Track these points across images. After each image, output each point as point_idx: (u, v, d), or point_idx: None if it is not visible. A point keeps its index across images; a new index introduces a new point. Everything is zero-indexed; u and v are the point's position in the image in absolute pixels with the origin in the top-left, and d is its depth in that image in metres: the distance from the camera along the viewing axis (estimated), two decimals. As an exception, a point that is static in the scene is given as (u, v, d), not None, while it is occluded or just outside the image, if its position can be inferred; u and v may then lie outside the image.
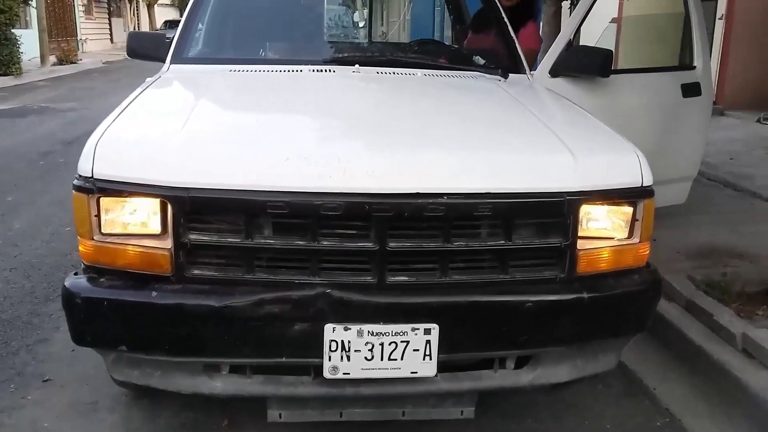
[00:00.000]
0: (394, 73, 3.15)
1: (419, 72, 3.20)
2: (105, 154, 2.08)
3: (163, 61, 3.35)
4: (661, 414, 2.69)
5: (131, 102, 2.52)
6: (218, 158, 2.05)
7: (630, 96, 3.77)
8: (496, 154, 2.14)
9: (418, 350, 2.05)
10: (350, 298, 2.02)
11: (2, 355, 3.10)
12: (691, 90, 4.05)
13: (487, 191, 2.02)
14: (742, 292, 3.36)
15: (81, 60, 20.04)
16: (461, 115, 2.57)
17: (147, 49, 3.54)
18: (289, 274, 2.05)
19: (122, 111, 2.39)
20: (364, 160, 2.02)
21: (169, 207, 2.01)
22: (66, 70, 17.90)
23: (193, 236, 2.03)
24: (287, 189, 1.98)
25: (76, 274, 2.19)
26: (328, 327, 2.02)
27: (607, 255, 2.16)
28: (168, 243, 2.04)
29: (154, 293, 2.03)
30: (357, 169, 2.00)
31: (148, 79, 3.05)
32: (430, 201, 1.99)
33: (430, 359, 2.06)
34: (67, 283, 2.11)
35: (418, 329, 2.04)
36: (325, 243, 2.01)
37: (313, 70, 3.13)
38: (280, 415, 2.21)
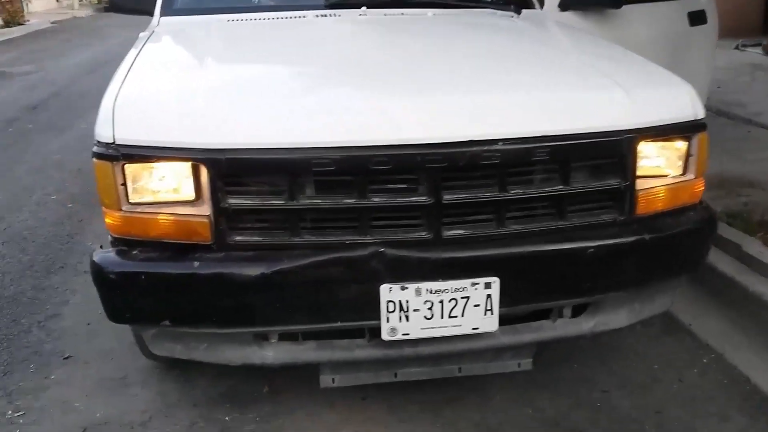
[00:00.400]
0: (403, 14, 2.98)
1: (429, 12, 3.02)
2: (126, 117, 1.90)
3: (150, 14, 3.12)
4: (703, 349, 2.67)
5: (135, 60, 2.31)
6: (253, 115, 1.89)
7: (640, 27, 3.66)
8: (549, 94, 2.02)
9: (478, 305, 1.96)
10: (406, 256, 1.91)
11: (15, 334, 2.94)
12: (697, 18, 3.95)
13: (544, 134, 1.90)
14: (763, 221, 3.34)
15: (29, 21, 19.10)
16: (497, 55, 2.43)
17: (131, 2, 3.29)
18: (338, 235, 1.92)
19: (129, 70, 2.19)
20: (412, 109, 1.88)
21: (204, 171, 1.86)
22: (14, 32, 17.04)
23: (232, 201, 1.88)
24: (332, 144, 1.84)
25: (101, 247, 2.04)
26: (384, 287, 1.92)
27: (664, 194, 2.07)
28: (206, 209, 1.90)
29: (196, 263, 1.90)
30: (405, 119, 1.86)
31: (141, 35, 2.82)
32: (485, 148, 1.86)
33: (492, 314, 1.97)
34: (96, 258, 1.96)
35: (478, 284, 1.94)
36: (376, 199, 1.89)
37: (317, 15, 2.94)
38: (333, 380, 2.12)
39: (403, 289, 1.93)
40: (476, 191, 1.92)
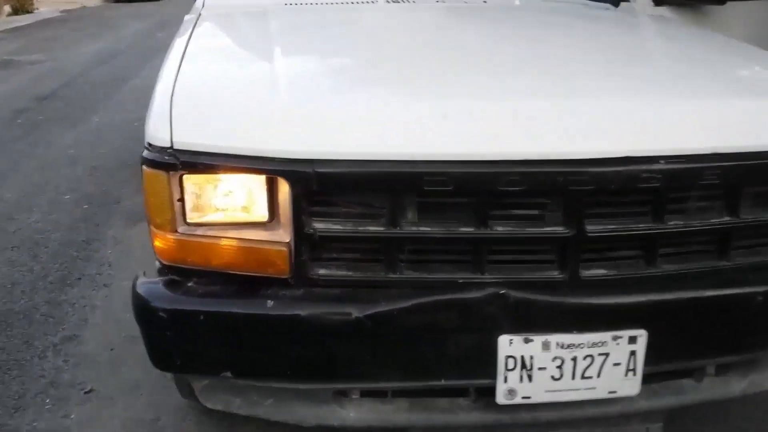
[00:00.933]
0: (485, 2, 2.58)
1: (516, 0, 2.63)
2: (186, 115, 1.50)
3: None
4: None
5: (187, 46, 1.91)
6: (352, 118, 1.48)
7: (743, 27, 3.26)
8: (716, 101, 1.61)
9: (619, 364, 1.56)
10: (533, 300, 1.52)
11: (27, 359, 2.54)
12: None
13: (714, 151, 1.50)
14: None
15: (38, 9, 18.77)
16: (631, 53, 2.01)
17: None
18: (448, 272, 1.52)
19: (183, 57, 1.79)
20: (552, 115, 1.48)
21: (284, 187, 1.46)
22: (23, 20, 16.70)
23: (319, 225, 1.48)
24: (452, 157, 1.44)
25: (144, 274, 1.64)
26: (504, 339, 1.52)
27: None
28: (283, 235, 1.50)
29: (269, 302, 1.50)
30: (544, 127, 1.46)
31: (186, 18, 2.43)
32: (644, 168, 1.46)
33: (634, 374, 1.57)
34: (141, 290, 1.56)
35: (621, 337, 1.54)
36: (500, 228, 1.49)
37: (388, 1, 2.54)
38: (423, 447, 1.72)
39: (527, 341, 1.53)
40: (626, 221, 1.52)
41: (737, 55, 2.07)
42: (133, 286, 1.60)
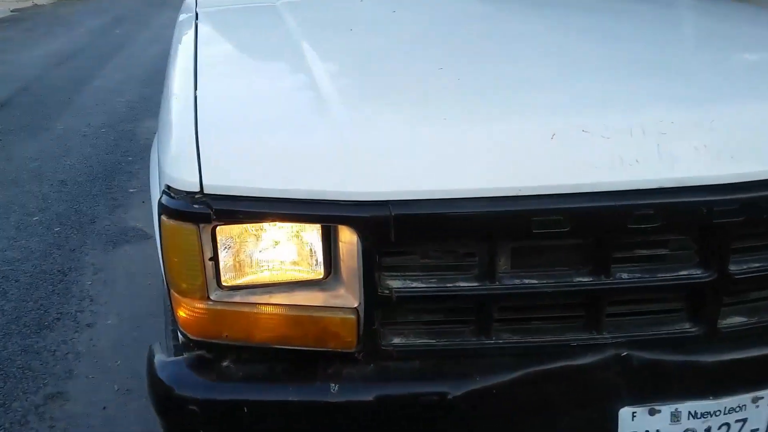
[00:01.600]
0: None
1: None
2: (219, 150, 1.15)
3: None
4: None
5: (196, 59, 1.53)
6: (436, 146, 1.14)
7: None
8: None
9: (757, 430, 1.28)
10: (661, 362, 1.21)
11: (5, 428, 2.15)
12: None
13: None
14: None
15: (-15, 8, 17.91)
16: (744, 47, 1.66)
17: None
18: (558, 333, 1.21)
19: (196, 74, 1.42)
20: (689, 129, 1.17)
21: (350, 236, 1.13)
22: (-29, 20, 15.91)
23: (395, 283, 1.15)
24: (563, 189, 1.12)
25: (160, 346, 1.29)
26: (625, 413, 1.21)
27: None
28: (350, 298, 1.17)
29: (333, 386, 1.17)
30: (682, 145, 1.15)
31: (181, 18, 2.05)
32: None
33: (772, 439, 1.30)
34: (163, 374, 1.21)
35: (762, 398, 1.25)
36: (625, 276, 1.18)
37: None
38: None
39: (653, 413, 1.23)
40: (770, 257, 1.22)
41: None
42: (150, 366, 1.25)
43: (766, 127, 1.20)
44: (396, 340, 1.19)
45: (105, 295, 2.92)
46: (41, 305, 2.86)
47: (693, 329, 1.22)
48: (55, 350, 2.55)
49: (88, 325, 2.70)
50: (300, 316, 1.17)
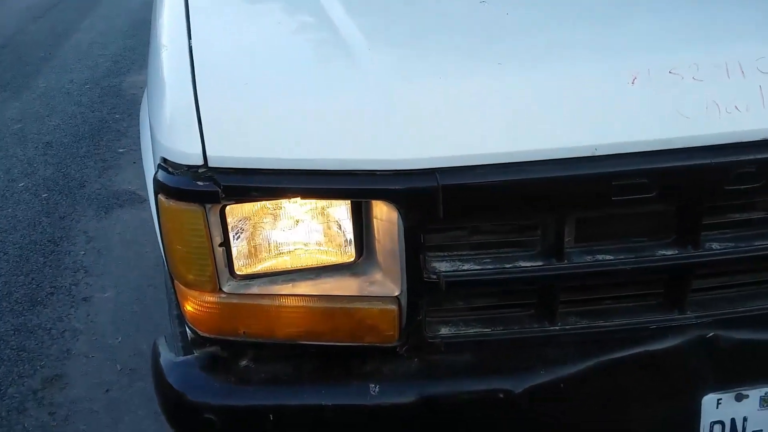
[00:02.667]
0: None
1: None
2: (224, 114, 0.94)
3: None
4: None
5: (186, 3, 1.29)
6: (491, 100, 0.93)
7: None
8: None
9: None
10: (752, 342, 1.04)
11: (2, 416, 1.99)
12: None
13: None
14: None
15: (-45, -43, 17.18)
16: None
17: None
18: (630, 315, 1.03)
19: (188, 19, 1.18)
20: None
21: (388, 213, 0.94)
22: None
23: (444, 267, 0.96)
24: (649, 146, 0.92)
25: (166, 341, 1.11)
26: (709, 400, 1.05)
27: None
28: (391, 286, 0.98)
29: (373, 387, 0.99)
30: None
31: None
32: None
33: None
34: (172, 378, 1.03)
35: None
36: (716, 246, 0.99)
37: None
38: None
39: (739, 398, 1.06)
40: None
41: None
42: (155, 366, 1.07)
43: None
44: (443, 331, 1.01)
45: (100, 266, 2.73)
46: (33, 279, 2.67)
47: (791, 304, 1.05)
48: (50, 328, 2.37)
49: (84, 299, 2.52)
50: (332, 308, 0.99)
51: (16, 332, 2.37)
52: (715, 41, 1.02)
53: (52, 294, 2.58)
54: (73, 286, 2.62)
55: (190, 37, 1.13)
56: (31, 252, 2.87)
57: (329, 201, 0.97)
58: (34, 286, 2.63)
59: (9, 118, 4.57)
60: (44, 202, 3.34)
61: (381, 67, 0.99)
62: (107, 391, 2.07)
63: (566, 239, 0.99)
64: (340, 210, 0.99)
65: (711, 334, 1.03)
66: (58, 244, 2.94)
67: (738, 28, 1.05)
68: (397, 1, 1.24)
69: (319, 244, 1.00)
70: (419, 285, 0.96)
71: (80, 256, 2.84)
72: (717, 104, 0.94)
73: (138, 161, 3.81)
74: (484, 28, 1.09)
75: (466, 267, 0.97)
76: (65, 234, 3.02)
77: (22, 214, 3.22)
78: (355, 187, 0.93)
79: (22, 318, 2.44)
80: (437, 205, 0.91)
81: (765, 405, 1.09)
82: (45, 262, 2.80)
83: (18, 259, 2.82)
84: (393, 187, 0.91)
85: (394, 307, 0.97)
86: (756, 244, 0.99)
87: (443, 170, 0.91)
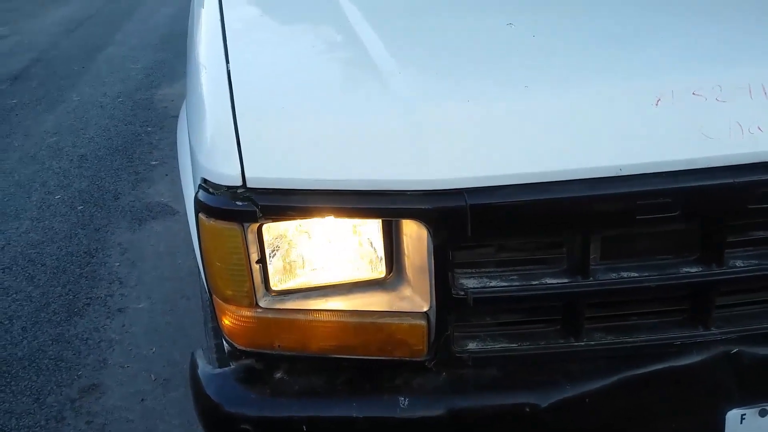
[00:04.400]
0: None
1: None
2: (262, 136, 0.99)
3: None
4: None
5: (223, 23, 1.33)
6: (517, 123, 0.96)
7: None
8: None
9: None
10: (774, 358, 1.06)
11: (41, 425, 2.05)
12: None
13: None
14: None
15: (-8, -26, 17.61)
16: None
17: None
18: (655, 331, 1.05)
19: (225, 42, 1.23)
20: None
21: (418, 231, 0.97)
22: (-24, -14, 15.68)
23: (472, 283, 1.00)
24: (672, 166, 0.95)
25: (204, 353, 1.15)
26: (733, 416, 1.06)
27: None
28: (420, 301, 1.01)
29: (402, 400, 1.02)
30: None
31: None
32: None
33: None
34: (210, 389, 1.07)
35: None
36: (740, 263, 1.01)
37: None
38: None
39: (763, 414, 1.07)
40: None
41: None
42: (194, 378, 1.11)
43: None
44: (471, 346, 1.04)
45: (134, 277, 2.80)
46: (70, 290, 2.75)
47: (816, 320, 1.06)
48: (87, 338, 2.44)
49: (120, 310, 2.59)
50: (363, 323, 1.02)
51: (54, 342, 2.44)
52: (737, 62, 1.04)
53: (88, 305, 2.65)
54: (108, 297, 2.70)
55: (227, 61, 1.18)
56: (68, 263, 2.96)
57: (361, 219, 1.00)
58: (71, 296, 2.71)
59: (44, 131, 4.70)
60: (80, 214, 3.44)
61: (410, 90, 1.03)
62: (142, 400, 2.13)
63: (591, 257, 1.01)
64: (372, 228, 1.02)
65: (735, 350, 1.05)
66: (93, 256, 3.02)
67: (760, 47, 1.07)
68: (424, 24, 1.28)
69: (350, 261, 1.04)
70: (448, 301, 0.99)
71: (115, 267, 2.92)
72: (740, 125, 0.96)
73: (170, 174, 3.88)
74: (510, 50, 1.13)
75: (493, 284, 1.00)
76: (100, 246, 3.10)
77: (58, 225, 3.32)
78: (385, 206, 0.97)
79: (59, 328, 2.52)
80: (465, 224, 0.95)
81: (790, 421, 1.10)
82: (81, 273, 2.88)
83: (55, 271, 2.91)
84: (422, 207, 0.95)
85: (423, 322, 1.00)
86: (779, 262, 1.01)
87: (471, 190, 0.94)
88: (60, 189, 3.76)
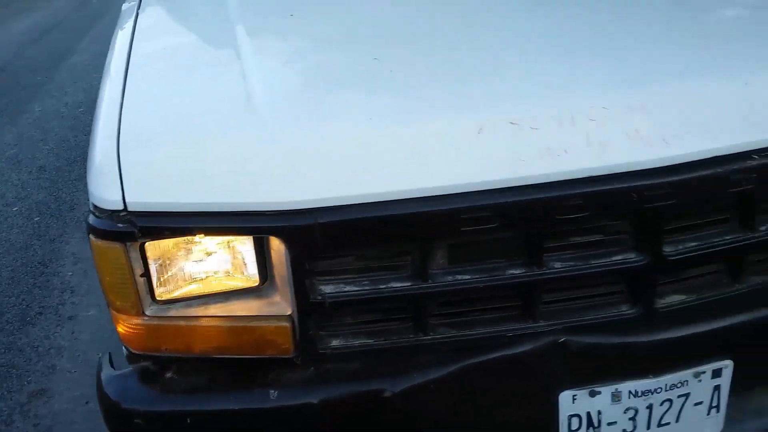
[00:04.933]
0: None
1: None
2: (140, 164, 1.14)
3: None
4: None
5: (129, 58, 1.48)
6: (359, 148, 1.12)
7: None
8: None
9: (700, 403, 1.29)
10: (599, 345, 1.22)
11: (-12, 430, 2.20)
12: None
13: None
14: None
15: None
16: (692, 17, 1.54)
17: None
18: (492, 324, 1.22)
19: (126, 78, 1.38)
20: (616, 116, 1.14)
21: (279, 247, 1.13)
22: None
23: (328, 288, 1.16)
24: (491, 185, 1.11)
25: (111, 361, 1.30)
26: (565, 396, 1.23)
27: None
28: (284, 306, 1.17)
29: (273, 392, 1.18)
30: (608, 133, 1.13)
31: (124, 8, 1.99)
32: (733, 167, 1.15)
33: (717, 411, 1.31)
34: (109, 389, 1.23)
35: (704, 372, 1.26)
36: (558, 265, 1.18)
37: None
38: None
39: (593, 394, 1.24)
40: (708, 237, 1.21)
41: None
42: (98, 380, 1.26)
43: (700, 107, 1.18)
44: (334, 343, 1.20)
45: (85, 286, 2.93)
46: (23, 300, 2.88)
47: (630, 311, 1.22)
48: (38, 346, 2.58)
49: (70, 318, 2.73)
50: (236, 327, 1.18)
51: (6, 350, 2.57)
52: (551, 96, 1.20)
53: (40, 314, 2.78)
54: (60, 306, 2.83)
55: (123, 94, 1.32)
56: (23, 274, 3.09)
57: (232, 236, 1.16)
58: (24, 306, 2.84)
59: (5, 143, 4.80)
60: (36, 225, 3.56)
61: (275, 119, 1.18)
62: (87, 403, 2.26)
63: (438, 262, 1.18)
64: (245, 243, 1.18)
65: (562, 339, 1.21)
66: (47, 266, 3.15)
67: (573, 79, 1.23)
68: (302, 58, 1.44)
69: (227, 272, 1.19)
70: (308, 305, 1.15)
71: (68, 276, 3.05)
72: (549, 149, 1.13)
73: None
74: (367, 85, 1.28)
75: (347, 289, 1.16)
76: (54, 256, 3.23)
77: (15, 237, 3.44)
78: (248, 225, 1.12)
79: (12, 337, 2.65)
80: (316, 239, 1.10)
81: (616, 400, 1.27)
82: (35, 283, 3.01)
83: (10, 281, 3.03)
84: (278, 225, 1.10)
85: (287, 324, 1.16)
86: (591, 262, 1.17)
87: (320, 210, 1.10)
88: (18, 201, 3.87)
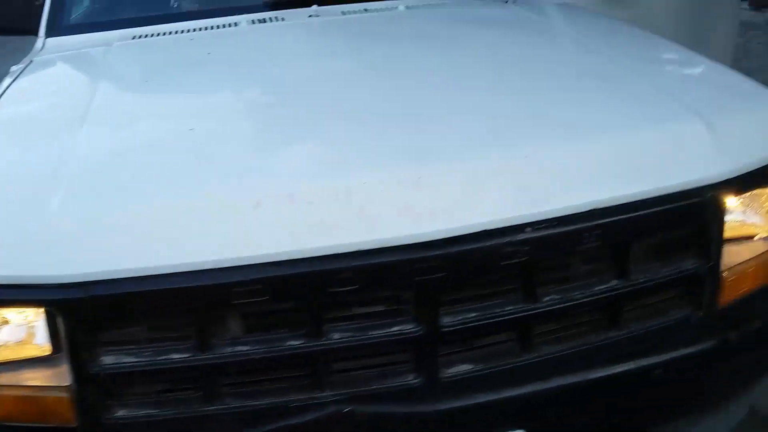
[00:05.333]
0: (366, 11, 2.22)
1: (400, 5, 2.27)
2: None
3: (36, 34, 2.33)
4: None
5: None
6: (135, 221, 1.17)
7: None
8: (596, 141, 1.31)
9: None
10: (385, 414, 1.24)
11: None
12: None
13: (592, 207, 1.22)
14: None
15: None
16: (510, 77, 1.63)
17: (8, 19, 2.47)
18: (279, 394, 1.23)
19: None
20: (389, 191, 1.18)
21: (57, 318, 1.16)
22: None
23: (109, 359, 1.18)
24: (263, 258, 1.14)
25: None
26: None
27: (754, 268, 1.42)
28: (63, 376, 1.19)
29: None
30: (380, 208, 1.17)
31: (13, 69, 2.05)
32: (507, 240, 1.18)
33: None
34: None
35: (490, 443, 1.28)
36: (336, 336, 1.20)
37: (253, 21, 2.17)
38: None
39: (384, 463, 1.26)
40: (490, 308, 1.24)
41: (643, 59, 1.74)
42: None
43: (476, 181, 1.21)
44: (120, 413, 1.21)
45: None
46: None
47: (415, 381, 1.23)
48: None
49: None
50: (22, 396, 1.20)
51: None
52: (336, 169, 1.23)
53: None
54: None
55: None
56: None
57: (18, 309, 1.18)
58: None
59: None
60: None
61: (58, 198, 1.21)
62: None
63: (215, 334, 1.19)
64: (37, 313, 1.20)
65: (348, 409, 1.22)
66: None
67: (364, 153, 1.27)
68: (127, 127, 1.48)
69: (19, 342, 1.22)
70: (85, 375, 1.16)
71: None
72: (323, 223, 1.16)
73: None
74: (164, 157, 1.33)
75: (126, 360, 1.18)
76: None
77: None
78: (28, 298, 1.15)
79: None
80: (88, 312, 1.13)
81: (413, 466, 1.28)
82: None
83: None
84: (53, 298, 1.13)
85: (65, 395, 1.17)
86: (370, 333, 1.20)
87: (92, 283, 1.13)
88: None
